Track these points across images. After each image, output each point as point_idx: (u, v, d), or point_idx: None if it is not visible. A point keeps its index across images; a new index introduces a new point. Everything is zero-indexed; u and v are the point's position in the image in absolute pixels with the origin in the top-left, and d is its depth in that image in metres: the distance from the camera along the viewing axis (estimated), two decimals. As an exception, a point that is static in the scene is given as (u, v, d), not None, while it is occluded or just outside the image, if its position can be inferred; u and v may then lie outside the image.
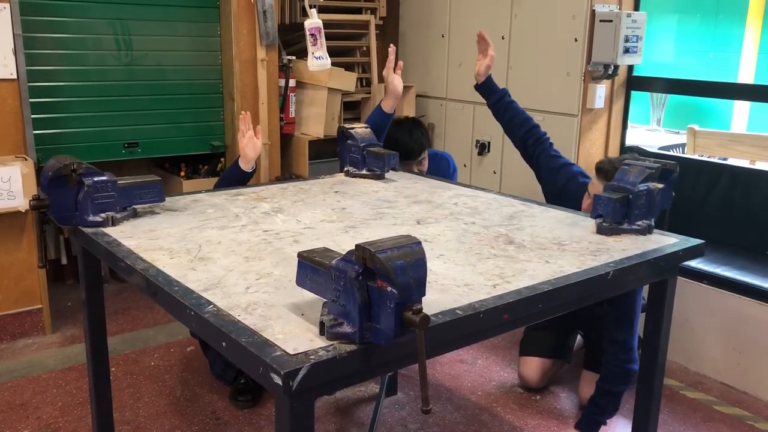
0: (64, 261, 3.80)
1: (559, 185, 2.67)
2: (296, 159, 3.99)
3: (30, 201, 1.74)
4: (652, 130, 8.81)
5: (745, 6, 8.46)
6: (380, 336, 1.09)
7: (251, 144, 2.50)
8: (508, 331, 1.51)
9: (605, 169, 2.37)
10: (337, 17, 3.92)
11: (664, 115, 9.26)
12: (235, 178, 2.51)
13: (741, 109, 8.12)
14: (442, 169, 3.11)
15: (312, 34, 2.30)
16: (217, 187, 2.59)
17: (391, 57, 2.72)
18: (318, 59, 2.33)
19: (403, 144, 2.88)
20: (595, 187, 2.41)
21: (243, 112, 2.51)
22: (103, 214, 1.75)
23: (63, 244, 3.77)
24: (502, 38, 3.68)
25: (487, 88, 2.75)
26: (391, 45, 2.78)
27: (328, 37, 2.45)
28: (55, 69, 3.23)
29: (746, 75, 8.29)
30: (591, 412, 2.49)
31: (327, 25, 2.58)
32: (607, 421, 2.49)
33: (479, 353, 3.16)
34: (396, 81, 2.71)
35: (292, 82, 3.79)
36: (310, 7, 2.29)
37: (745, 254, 3.01)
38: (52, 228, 3.63)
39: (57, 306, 3.46)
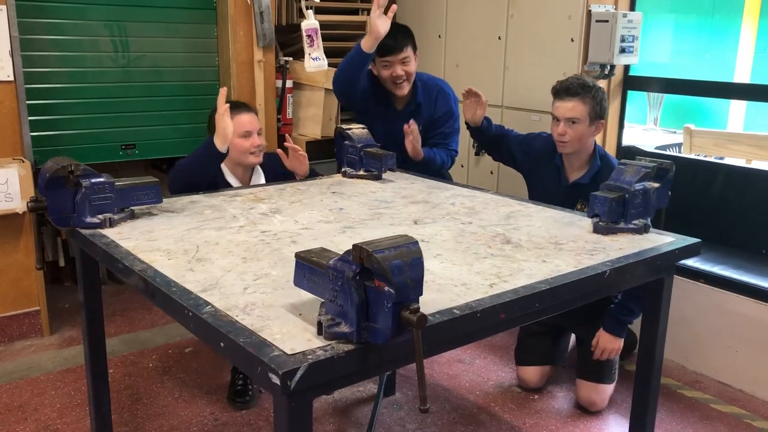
0: (61, 263, 3.79)
1: (531, 151, 2.79)
2: (294, 160, 3.99)
3: (28, 203, 1.74)
4: (649, 130, 8.82)
5: (741, 4, 8.48)
6: (378, 336, 1.10)
7: (230, 123, 2.35)
8: (505, 330, 1.51)
9: (556, 88, 2.58)
10: (333, 18, 3.92)
11: (661, 114, 9.28)
12: (206, 159, 2.36)
13: (737, 109, 8.14)
14: (440, 106, 2.95)
15: (309, 36, 2.30)
16: (181, 167, 2.42)
17: None
18: (315, 60, 2.34)
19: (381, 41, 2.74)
20: (557, 109, 2.57)
21: (222, 88, 2.36)
22: (100, 216, 1.76)
23: (61, 246, 3.77)
24: (499, 38, 3.69)
25: (480, 128, 2.83)
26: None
27: (324, 39, 2.46)
28: (52, 71, 3.23)
29: (743, 73, 8.31)
30: (619, 313, 2.57)
31: (324, 26, 2.58)
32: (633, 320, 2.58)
33: (477, 353, 3.17)
34: (380, 22, 2.61)
35: (289, 83, 3.80)
36: (307, 9, 2.30)
37: (741, 253, 3.02)
38: (49, 230, 3.63)
39: (55, 308, 3.46)
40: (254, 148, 2.58)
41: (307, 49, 2.35)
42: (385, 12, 2.66)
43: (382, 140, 2.68)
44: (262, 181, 2.65)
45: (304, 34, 2.32)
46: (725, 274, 2.86)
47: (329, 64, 2.98)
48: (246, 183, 2.62)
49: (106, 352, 2.06)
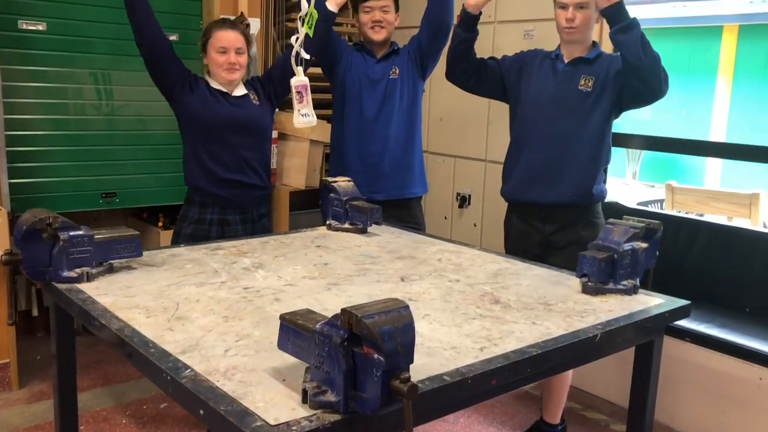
0: (35, 312, 3.69)
1: (519, 56, 2.71)
2: (277, 209, 3.96)
3: (2, 256, 1.68)
4: (629, 184, 8.93)
5: (715, 63, 8.72)
6: (366, 406, 1.05)
7: None
8: (496, 396, 1.47)
9: None
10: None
11: (639, 168, 9.41)
12: None
13: (714, 163, 8.28)
14: (413, 37, 2.99)
15: (298, 92, 2.29)
16: None
17: None
18: (304, 116, 2.32)
19: None
20: None
21: None
22: (78, 270, 1.70)
23: (35, 295, 3.67)
24: (483, 93, 3.73)
25: (475, 19, 2.65)
26: None
27: (312, 90, 2.45)
28: (35, 118, 3.19)
29: (718, 129, 8.50)
30: None
31: (311, 77, 2.59)
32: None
33: (460, 412, 3.09)
34: None
35: (274, 134, 3.79)
36: (297, 65, 2.29)
37: (726, 312, 3.01)
38: (24, 278, 3.53)
39: (25, 359, 3.34)
40: (228, 65, 2.59)
41: (296, 105, 2.34)
42: None
43: (359, 83, 2.87)
44: (242, 90, 2.68)
45: (294, 90, 2.31)
46: (711, 333, 2.83)
47: (318, 116, 2.98)
48: (230, 89, 2.66)
49: (77, 408, 1.97)
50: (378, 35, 2.92)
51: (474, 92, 2.84)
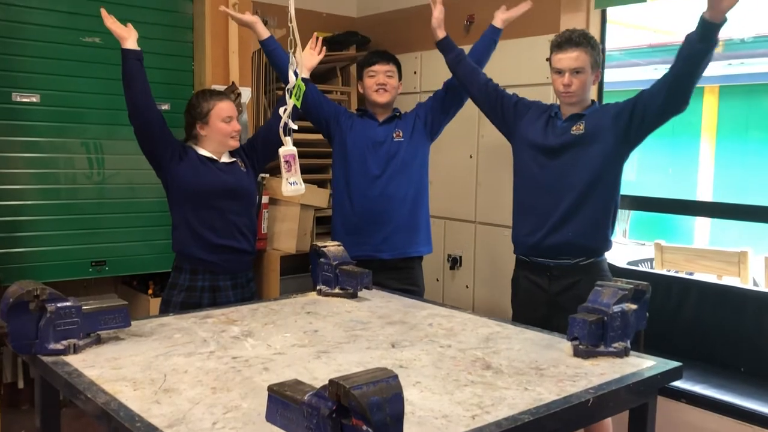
0: (20, 385, 3.60)
1: (527, 101, 2.80)
2: (267, 274, 3.95)
3: (-12, 329, 1.67)
4: (619, 243, 8.99)
5: (698, 124, 8.91)
6: (355, 479, 1.03)
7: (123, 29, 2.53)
8: (489, 465, 1.44)
9: (557, 41, 2.58)
10: (310, 137, 4.01)
11: (629, 226, 9.49)
12: (129, 70, 2.52)
13: (702, 221, 8.36)
14: (420, 104, 3.13)
15: (287, 161, 2.33)
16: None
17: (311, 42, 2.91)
18: (292, 185, 2.35)
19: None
20: (560, 61, 2.55)
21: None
22: (65, 342, 1.69)
23: (21, 367, 3.60)
24: (470, 157, 3.80)
25: (447, 43, 2.88)
26: (315, 33, 3.01)
27: (301, 156, 2.49)
28: (24, 188, 3.20)
29: (705, 188, 8.62)
30: None
31: (300, 144, 2.63)
32: None
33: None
34: (307, 54, 2.85)
35: (265, 199, 3.82)
36: (285, 135, 2.33)
37: (720, 372, 2.98)
38: (9, 349, 3.47)
39: (9, 434, 3.26)
40: (234, 133, 2.67)
41: (284, 174, 2.37)
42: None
43: (362, 144, 2.95)
44: (229, 157, 2.74)
45: (282, 159, 2.35)
46: (707, 393, 2.80)
47: (305, 180, 3.02)
48: (218, 156, 2.71)
49: (60, 487, 1.92)
50: (382, 98, 3.02)
51: (486, 114, 2.92)
